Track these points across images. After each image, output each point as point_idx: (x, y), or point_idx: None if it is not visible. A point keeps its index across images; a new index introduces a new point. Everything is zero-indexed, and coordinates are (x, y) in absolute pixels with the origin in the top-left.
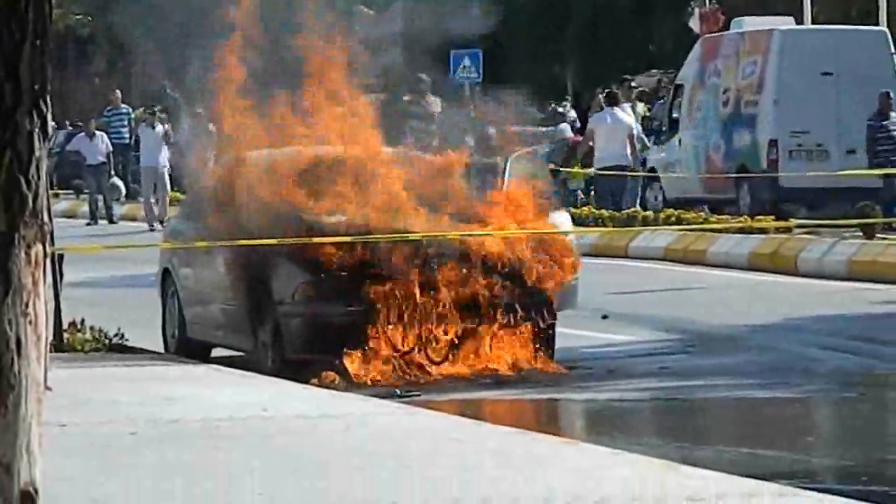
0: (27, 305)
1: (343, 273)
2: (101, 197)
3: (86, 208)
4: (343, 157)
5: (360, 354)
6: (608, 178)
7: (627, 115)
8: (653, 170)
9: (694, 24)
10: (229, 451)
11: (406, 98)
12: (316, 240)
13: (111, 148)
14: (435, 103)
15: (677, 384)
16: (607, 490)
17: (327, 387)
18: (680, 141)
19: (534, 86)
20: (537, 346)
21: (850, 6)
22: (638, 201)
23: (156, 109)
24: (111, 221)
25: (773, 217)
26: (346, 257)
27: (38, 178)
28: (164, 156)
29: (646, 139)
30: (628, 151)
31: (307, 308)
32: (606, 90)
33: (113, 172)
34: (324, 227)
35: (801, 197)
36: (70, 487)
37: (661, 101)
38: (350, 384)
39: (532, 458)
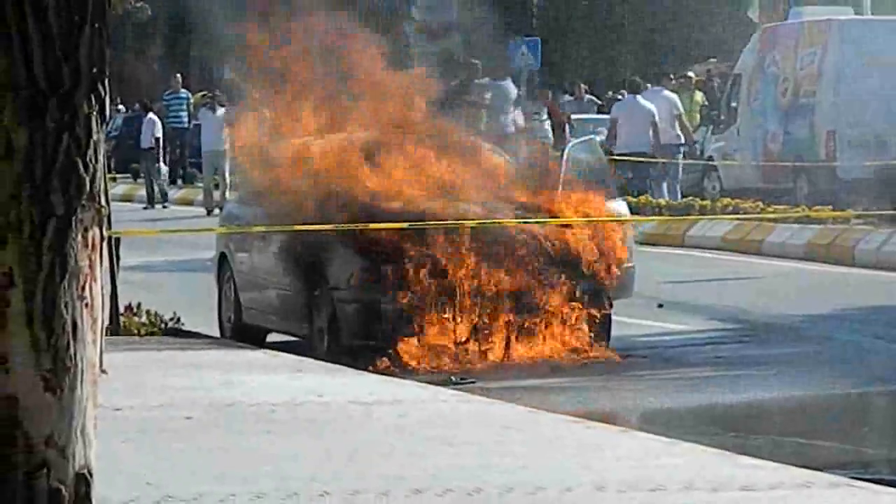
0: (83, 289)
1: (399, 259)
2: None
3: (143, 192)
4: (400, 143)
5: (415, 341)
6: (628, 165)
7: (650, 103)
8: (710, 158)
9: (753, 13)
10: (284, 436)
11: (457, 83)
12: (372, 226)
13: (159, 133)
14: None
15: (733, 374)
16: (661, 479)
17: (383, 373)
18: (738, 130)
19: (592, 74)
20: (593, 334)
21: None
22: (677, 189)
23: (216, 93)
24: (164, 205)
25: (830, 207)
26: (402, 243)
27: (96, 161)
28: (225, 140)
29: (689, 126)
30: (650, 139)
31: (363, 294)
32: (632, 78)
33: (160, 156)
34: (381, 213)
35: (859, 187)
36: (125, 471)
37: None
38: (405, 370)
39: (586, 446)
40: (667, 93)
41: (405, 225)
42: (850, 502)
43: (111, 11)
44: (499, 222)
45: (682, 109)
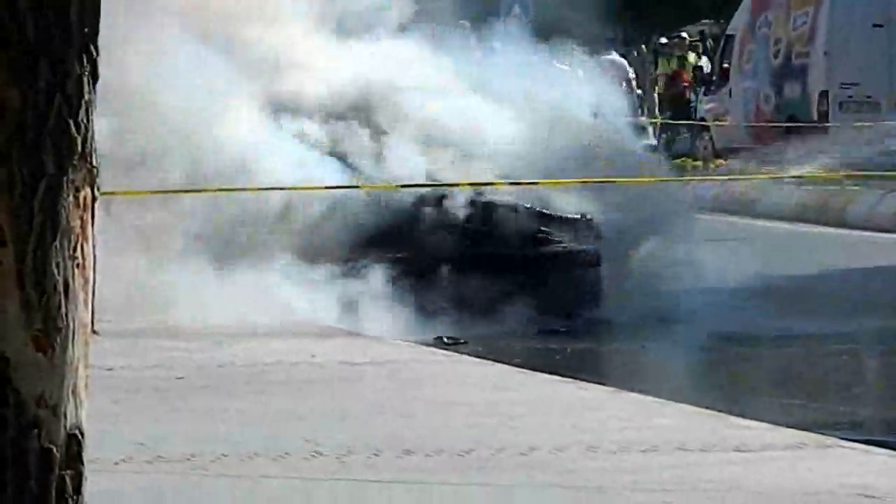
0: (75, 249)
1: (395, 220)
2: None
3: None
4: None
5: (409, 301)
6: None
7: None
8: (702, 119)
9: None
10: (276, 396)
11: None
12: (364, 186)
13: None
14: None
15: (727, 333)
16: (653, 439)
17: (375, 334)
18: (730, 91)
19: (585, 32)
20: (586, 294)
21: None
22: None
23: None
24: None
25: (822, 168)
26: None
27: (88, 121)
28: None
29: (636, 91)
30: None
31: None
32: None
33: None
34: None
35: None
36: (116, 431)
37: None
38: (397, 331)
39: (578, 406)
40: (615, 57)
41: (398, 185)
42: (841, 463)
43: None
44: (491, 184)
45: (632, 74)
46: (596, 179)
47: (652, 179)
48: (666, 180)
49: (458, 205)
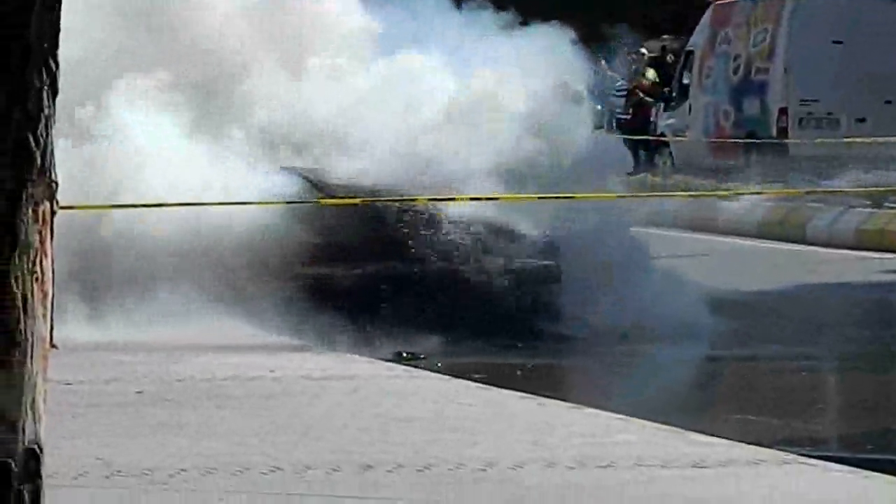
0: (34, 263)
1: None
2: None
3: None
4: None
5: (366, 317)
6: None
7: None
8: (662, 135)
9: None
10: (235, 411)
11: None
12: (323, 201)
13: None
14: None
15: (687, 350)
16: (612, 455)
17: (334, 349)
18: (690, 107)
19: None
20: (545, 309)
21: None
22: None
23: None
24: None
25: (782, 185)
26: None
27: (47, 135)
28: None
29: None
30: None
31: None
32: None
33: None
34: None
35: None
36: (75, 446)
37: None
38: (356, 346)
39: (538, 422)
40: None
41: (356, 201)
42: (800, 479)
43: None
44: (451, 199)
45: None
46: (555, 195)
47: (612, 195)
48: (626, 196)
49: (416, 219)
